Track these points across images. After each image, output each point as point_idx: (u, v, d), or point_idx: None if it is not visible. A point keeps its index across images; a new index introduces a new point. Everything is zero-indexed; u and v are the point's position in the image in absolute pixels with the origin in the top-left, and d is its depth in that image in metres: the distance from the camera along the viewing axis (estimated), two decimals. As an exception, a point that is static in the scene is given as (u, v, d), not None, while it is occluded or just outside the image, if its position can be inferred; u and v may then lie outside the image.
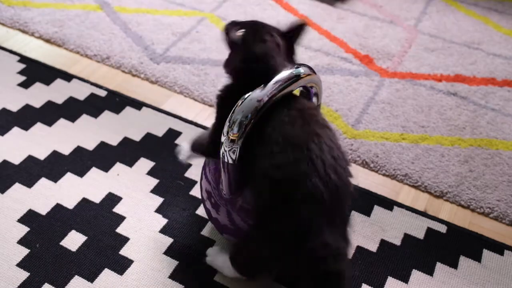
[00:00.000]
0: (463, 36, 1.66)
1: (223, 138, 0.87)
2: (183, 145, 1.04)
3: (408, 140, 1.32)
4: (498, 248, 1.11)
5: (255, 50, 0.87)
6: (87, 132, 1.30)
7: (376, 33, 1.65)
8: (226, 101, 0.90)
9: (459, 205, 1.20)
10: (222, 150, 0.88)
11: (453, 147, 1.30)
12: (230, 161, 0.88)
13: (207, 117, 1.37)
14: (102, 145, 1.27)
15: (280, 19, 1.68)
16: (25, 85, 1.42)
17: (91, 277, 1.02)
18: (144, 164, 1.24)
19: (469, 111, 1.41)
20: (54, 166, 1.22)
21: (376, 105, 1.41)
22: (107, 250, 1.07)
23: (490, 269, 1.08)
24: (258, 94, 0.85)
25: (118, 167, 1.23)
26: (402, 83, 1.48)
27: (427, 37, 1.65)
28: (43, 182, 1.19)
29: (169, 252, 1.07)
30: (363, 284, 1.04)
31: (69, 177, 1.20)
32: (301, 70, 0.90)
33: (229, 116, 0.86)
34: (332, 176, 0.82)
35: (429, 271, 1.07)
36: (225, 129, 0.86)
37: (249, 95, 0.85)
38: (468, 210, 1.19)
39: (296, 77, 0.89)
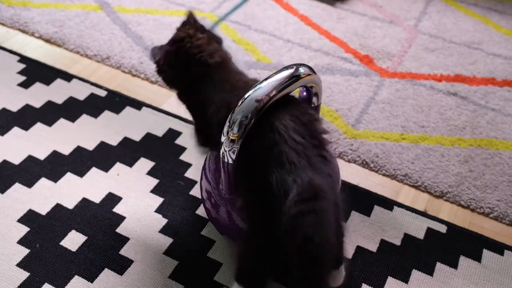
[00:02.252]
0: (463, 36, 1.66)
1: (223, 138, 0.87)
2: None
3: (408, 140, 1.32)
4: (498, 248, 1.11)
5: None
6: (87, 132, 1.30)
7: (376, 33, 1.65)
8: None
9: (459, 205, 1.20)
10: (222, 150, 0.88)
11: (453, 147, 1.30)
12: (230, 161, 0.88)
13: (207, 117, 1.37)
14: (102, 145, 1.27)
15: (280, 19, 1.68)
16: (25, 85, 1.42)
17: (91, 277, 1.02)
18: (144, 164, 1.23)
19: (469, 111, 1.41)
20: (54, 166, 1.22)
21: (376, 105, 1.41)
22: (107, 250, 1.07)
23: (490, 269, 1.08)
24: (258, 94, 0.85)
25: (118, 167, 1.23)
26: (402, 83, 1.48)
27: (427, 37, 1.65)
28: (43, 182, 1.19)
29: (169, 252, 1.07)
30: (363, 284, 1.04)
31: (69, 177, 1.20)
32: (301, 70, 0.90)
33: (229, 116, 0.86)
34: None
35: (429, 271, 1.07)
36: (225, 129, 0.86)
37: (249, 95, 0.85)
38: (468, 210, 1.19)
39: (296, 77, 0.89)
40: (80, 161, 1.24)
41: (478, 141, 1.32)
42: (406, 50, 1.59)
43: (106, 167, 1.23)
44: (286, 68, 0.90)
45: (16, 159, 1.23)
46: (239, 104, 0.86)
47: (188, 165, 1.24)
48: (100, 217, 1.12)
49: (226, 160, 0.88)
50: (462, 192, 1.21)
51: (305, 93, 0.98)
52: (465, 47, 1.61)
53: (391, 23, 1.70)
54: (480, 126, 1.36)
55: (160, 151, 1.27)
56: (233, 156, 0.87)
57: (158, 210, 1.14)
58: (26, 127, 1.31)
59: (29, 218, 1.11)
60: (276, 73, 0.89)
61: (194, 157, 1.25)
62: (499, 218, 1.17)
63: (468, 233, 1.14)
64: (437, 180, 1.23)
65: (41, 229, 1.10)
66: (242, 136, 0.85)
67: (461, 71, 1.53)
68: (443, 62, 1.56)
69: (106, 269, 1.04)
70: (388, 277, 1.06)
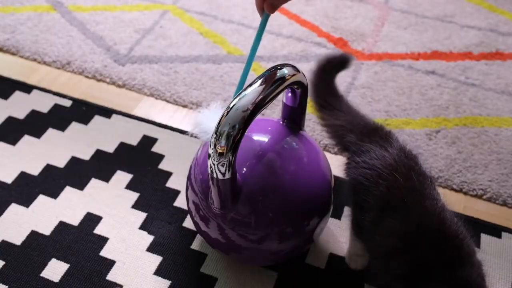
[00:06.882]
0: (434, 10, 1.62)
1: (210, 151, 0.81)
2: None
3: (393, 125, 1.28)
4: (495, 231, 1.09)
5: None
6: (55, 148, 1.21)
7: (347, 14, 1.59)
8: None
9: (451, 189, 1.17)
10: (210, 164, 0.82)
11: (439, 129, 1.27)
12: (220, 176, 0.82)
13: (182, 119, 1.30)
14: (74, 161, 1.19)
15: (246, 6, 1.61)
16: (-19, 101, 1.31)
17: (79, 309, 0.95)
18: (122, 178, 1.16)
19: (450, 89, 1.38)
20: (24, 190, 1.13)
21: (356, 91, 1.36)
22: (92, 277, 0.99)
23: (489, 254, 1.06)
24: (244, 102, 0.79)
25: (94, 183, 1.15)
26: (380, 64, 1.44)
27: (399, 13, 1.61)
28: (14, 208, 1.10)
29: (159, 271, 1.01)
30: (363, 284, 1.01)
31: (41, 200, 1.11)
32: (285, 71, 0.84)
33: (216, 127, 0.80)
34: None
35: (430, 262, 1.05)
36: (212, 141, 0.80)
37: (234, 104, 0.79)
38: (461, 194, 1.16)
39: (281, 80, 0.83)
40: (51, 181, 1.15)
41: (463, 120, 1.29)
42: (380, 29, 1.55)
43: (81, 185, 1.14)
44: (269, 71, 0.84)
45: (-19, 186, 1.14)
46: (224, 114, 0.79)
47: (169, 174, 1.17)
48: (81, 241, 1.05)
49: (215, 176, 0.82)
50: (453, 176, 1.18)
51: (289, 94, 0.93)
52: (439, 21, 1.58)
53: (361, 2, 1.64)
54: (463, 104, 1.34)
55: (136, 161, 1.19)
56: (223, 170, 0.81)
57: (142, 227, 1.07)
58: (-13, 148, 1.21)
59: (3, 250, 1.03)
60: (259, 77, 0.82)
61: (174, 165, 1.18)
62: (492, 199, 1.15)
63: (464, 218, 1.10)
64: (427, 165, 1.19)
65: (18, 262, 1.01)
66: (230, 148, 0.79)
67: (438, 47, 1.49)
68: (418, 39, 1.52)
69: (94, 298, 0.97)
70: (389, 273, 1.03)
